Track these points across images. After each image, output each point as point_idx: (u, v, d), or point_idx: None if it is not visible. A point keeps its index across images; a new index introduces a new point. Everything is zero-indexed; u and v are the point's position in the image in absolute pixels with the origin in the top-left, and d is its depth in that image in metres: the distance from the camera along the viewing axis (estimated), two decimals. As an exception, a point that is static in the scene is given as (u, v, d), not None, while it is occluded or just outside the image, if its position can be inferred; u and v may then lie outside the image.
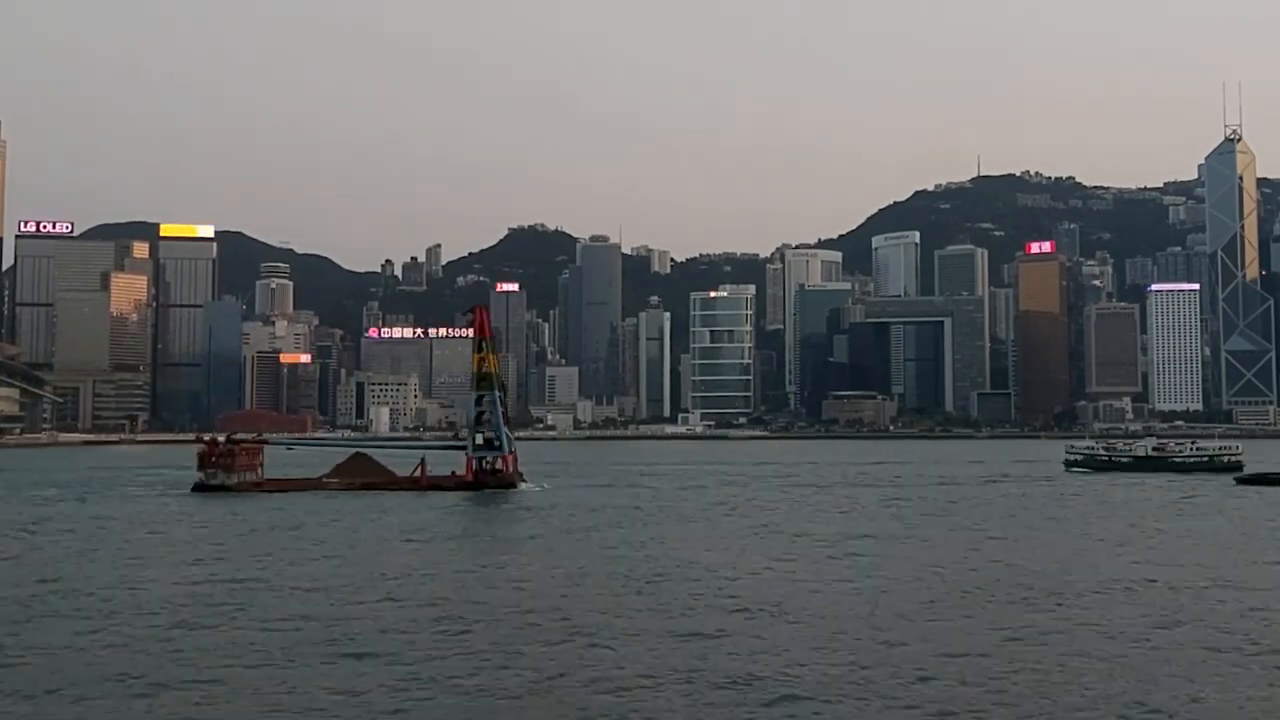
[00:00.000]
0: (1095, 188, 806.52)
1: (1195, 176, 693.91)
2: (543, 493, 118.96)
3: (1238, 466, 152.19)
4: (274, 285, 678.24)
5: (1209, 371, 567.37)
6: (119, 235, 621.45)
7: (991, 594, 50.04)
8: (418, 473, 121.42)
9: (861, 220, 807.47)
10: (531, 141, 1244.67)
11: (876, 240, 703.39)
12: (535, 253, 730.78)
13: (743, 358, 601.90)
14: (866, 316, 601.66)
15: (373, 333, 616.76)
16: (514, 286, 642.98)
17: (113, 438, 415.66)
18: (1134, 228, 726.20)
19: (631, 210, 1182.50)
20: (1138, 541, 72.01)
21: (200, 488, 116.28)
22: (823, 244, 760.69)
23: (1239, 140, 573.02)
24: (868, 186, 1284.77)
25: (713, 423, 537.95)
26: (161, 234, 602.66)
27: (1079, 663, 36.13)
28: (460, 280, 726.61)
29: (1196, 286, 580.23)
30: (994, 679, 33.96)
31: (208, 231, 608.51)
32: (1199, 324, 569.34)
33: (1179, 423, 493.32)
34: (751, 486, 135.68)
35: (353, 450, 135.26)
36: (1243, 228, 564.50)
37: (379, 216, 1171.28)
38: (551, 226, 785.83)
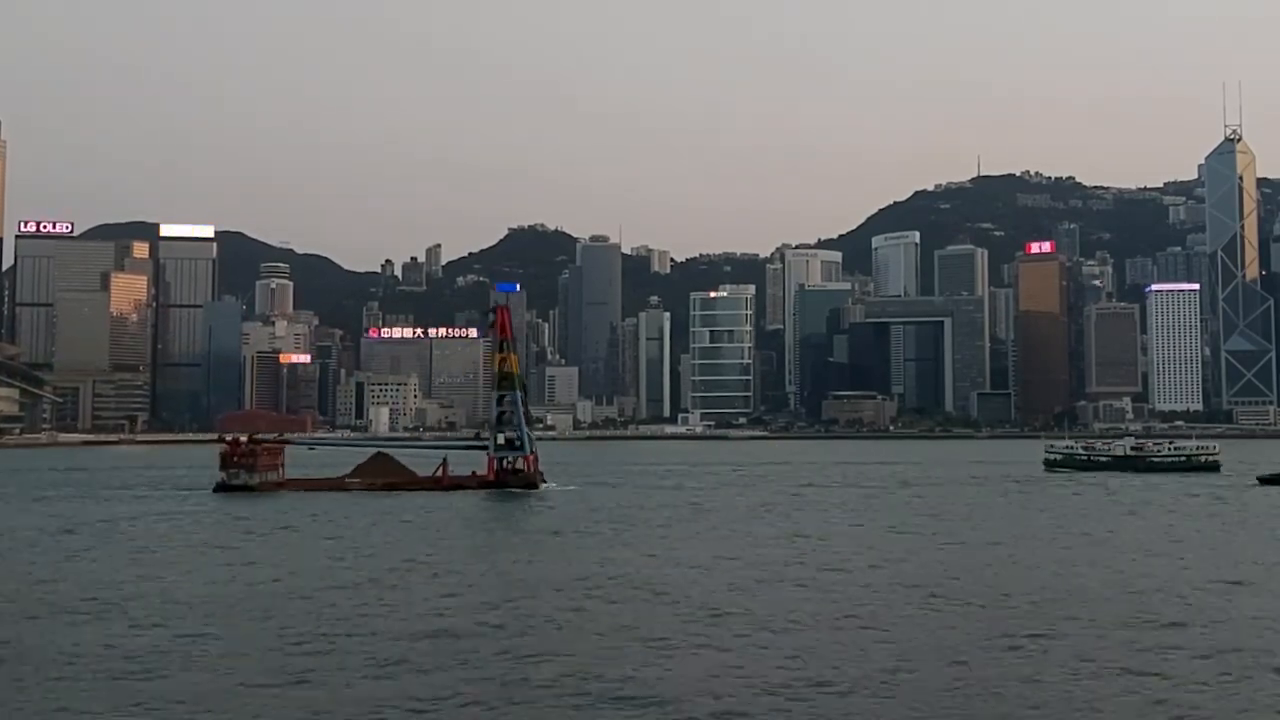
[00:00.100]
0: (1095, 188, 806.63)
1: (1195, 176, 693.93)
2: (568, 493, 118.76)
3: (1214, 466, 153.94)
4: (274, 285, 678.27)
5: (1209, 371, 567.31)
6: (119, 235, 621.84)
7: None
8: (439, 473, 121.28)
9: (861, 220, 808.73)
10: (531, 141, 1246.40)
11: (876, 240, 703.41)
12: (535, 253, 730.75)
13: (743, 358, 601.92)
14: (866, 316, 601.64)
15: (372, 333, 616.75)
16: (514, 286, 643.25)
17: (112, 438, 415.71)
18: (1134, 228, 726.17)
19: (631, 210, 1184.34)
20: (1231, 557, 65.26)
21: (223, 487, 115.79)
22: (823, 244, 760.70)
23: (1239, 140, 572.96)
24: (868, 186, 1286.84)
25: (712, 423, 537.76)
26: (161, 234, 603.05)
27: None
28: (460, 280, 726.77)
29: (1196, 286, 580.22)
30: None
31: (208, 231, 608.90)
32: (1199, 324, 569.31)
33: (1179, 423, 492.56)
34: (760, 488, 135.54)
35: (374, 450, 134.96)
36: (1243, 228, 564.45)
37: (379, 216, 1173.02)
38: (551, 226, 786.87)
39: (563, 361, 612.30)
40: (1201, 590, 50.96)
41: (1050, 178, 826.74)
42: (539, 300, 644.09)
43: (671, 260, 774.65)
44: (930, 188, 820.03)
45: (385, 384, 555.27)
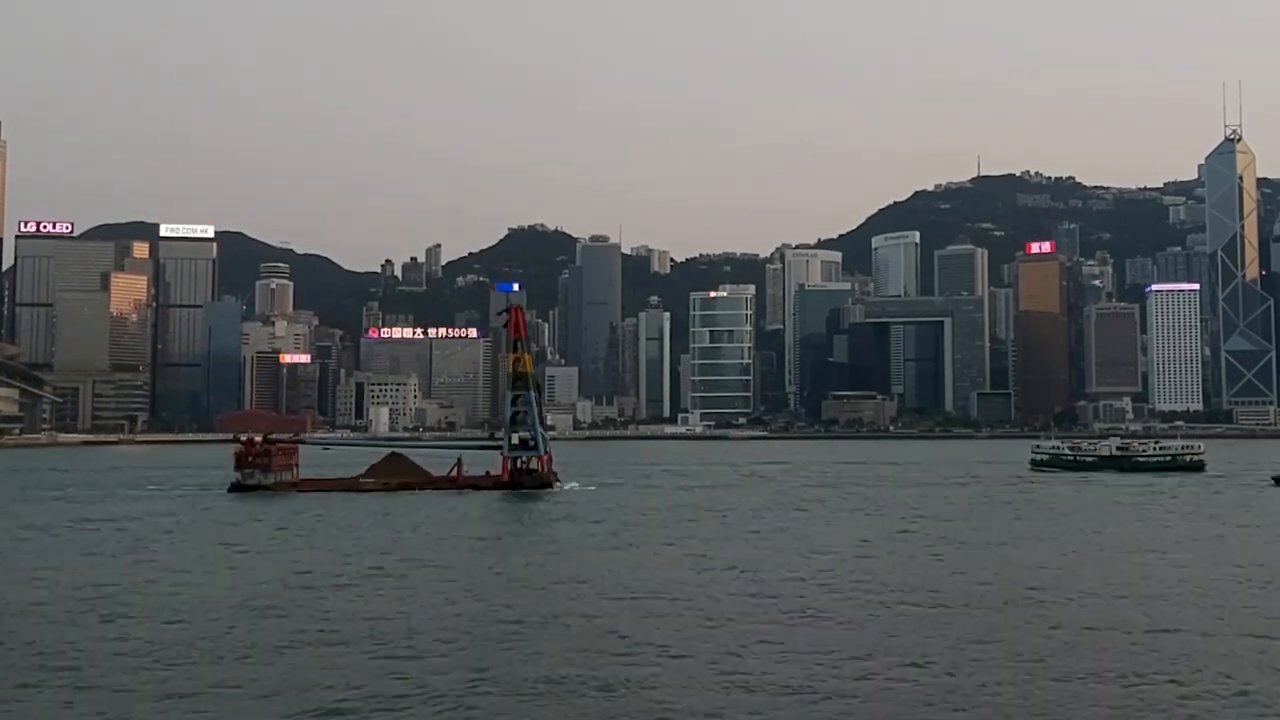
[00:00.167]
0: (1095, 188, 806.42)
1: (1195, 176, 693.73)
2: (585, 492, 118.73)
3: (1199, 466, 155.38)
4: (274, 285, 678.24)
5: (1209, 371, 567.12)
6: (119, 235, 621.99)
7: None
8: (454, 473, 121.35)
9: (861, 220, 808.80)
10: (531, 141, 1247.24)
11: (876, 240, 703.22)
12: (535, 253, 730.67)
13: (742, 358, 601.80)
14: (866, 316, 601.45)
15: (372, 333, 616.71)
16: (514, 286, 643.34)
17: (112, 438, 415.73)
18: (1134, 228, 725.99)
19: (631, 210, 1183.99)
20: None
21: (237, 487, 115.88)
22: (823, 244, 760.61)
23: (1239, 140, 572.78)
24: (868, 186, 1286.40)
25: (712, 423, 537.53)
26: (161, 234, 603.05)
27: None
28: (460, 280, 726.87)
29: (1196, 286, 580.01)
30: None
31: (208, 231, 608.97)
32: (1199, 324, 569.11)
33: (1179, 423, 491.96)
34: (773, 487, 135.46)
35: (389, 451, 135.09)
36: (1243, 228, 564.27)
37: (379, 216, 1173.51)
38: (551, 226, 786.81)
39: (562, 361, 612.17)
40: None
41: (1050, 178, 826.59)
42: (539, 300, 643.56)
43: (671, 260, 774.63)
44: (930, 188, 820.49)
45: (385, 384, 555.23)
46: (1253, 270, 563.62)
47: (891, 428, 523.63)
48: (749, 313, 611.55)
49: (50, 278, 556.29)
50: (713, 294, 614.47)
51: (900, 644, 39.29)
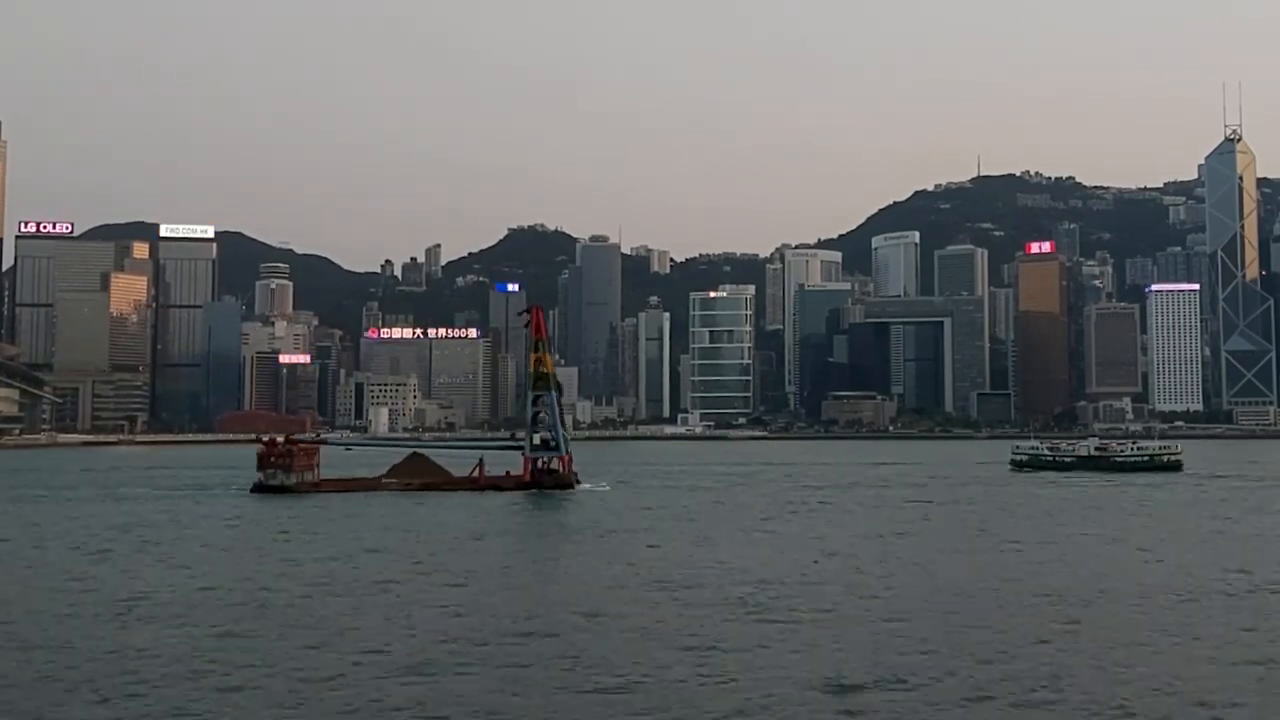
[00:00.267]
0: (1095, 188, 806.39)
1: (1195, 176, 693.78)
2: (606, 493, 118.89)
3: (1177, 466, 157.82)
4: (274, 285, 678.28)
5: (1209, 371, 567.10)
6: (119, 235, 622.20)
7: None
8: (475, 473, 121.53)
9: (861, 220, 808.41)
10: (531, 141, 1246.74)
11: (876, 240, 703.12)
12: (535, 253, 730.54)
13: (742, 358, 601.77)
14: (866, 316, 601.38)
15: (372, 333, 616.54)
16: (514, 286, 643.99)
17: (112, 438, 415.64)
18: (1134, 228, 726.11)
19: (631, 210, 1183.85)
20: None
21: (260, 488, 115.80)
22: (822, 244, 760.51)
23: (1239, 140, 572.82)
24: (868, 186, 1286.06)
25: (712, 423, 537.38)
26: (161, 234, 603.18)
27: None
28: (460, 280, 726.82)
29: (1196, 286, 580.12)
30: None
31: (208, 232, 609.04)
32: (1199, 324, 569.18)
33: (1179, 423, 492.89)
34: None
35: (410, 451, 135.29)
36: (1243, 228, 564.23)
37: (379, 216, 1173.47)
38: (551, 226, 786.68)
39: (562, 361, 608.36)
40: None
41: (1050, 178, 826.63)
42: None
43: (671, 260, 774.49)
44: (930, 188, 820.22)
45: (385, 384, 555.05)
46: (1253, 270, 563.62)
47: (891, 428, 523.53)
48: (749, 313, 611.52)
49: (50, 278, 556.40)
50: (712, 294, 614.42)
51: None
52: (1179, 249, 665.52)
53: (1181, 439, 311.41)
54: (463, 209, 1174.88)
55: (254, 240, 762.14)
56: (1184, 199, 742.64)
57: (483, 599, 49.62)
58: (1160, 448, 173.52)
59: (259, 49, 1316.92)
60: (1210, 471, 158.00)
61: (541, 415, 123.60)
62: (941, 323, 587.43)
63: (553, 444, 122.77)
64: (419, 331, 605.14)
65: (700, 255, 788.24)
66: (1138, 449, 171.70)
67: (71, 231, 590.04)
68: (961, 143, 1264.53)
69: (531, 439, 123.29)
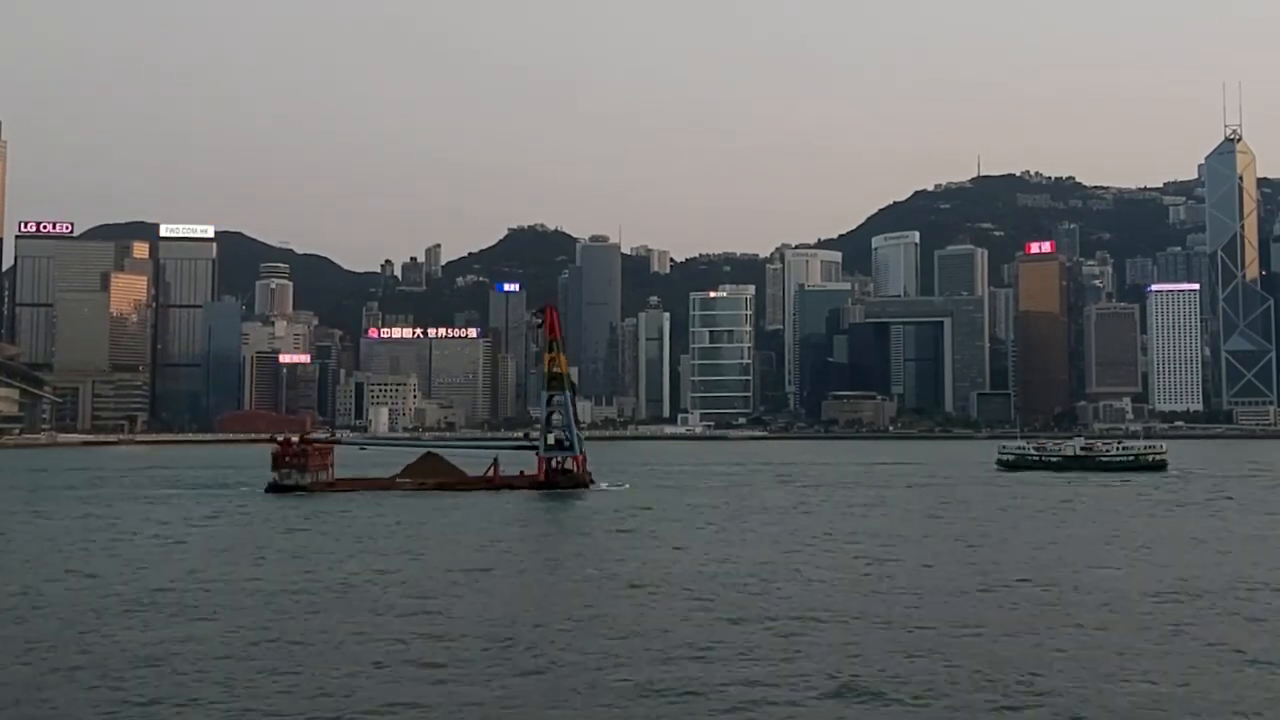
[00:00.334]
0: (1095, 188, 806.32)
1: (1195, 176, 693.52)
2: (621, 493, 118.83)
3: (1161, 465, 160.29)
4: (274, 285, 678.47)
5: (1209, 371, 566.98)
6: (119, 235, 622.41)
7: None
8: (490, 472, 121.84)
9: (861, 220, 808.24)
10: (531, 141, 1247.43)
11: (876, 240, 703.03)
12: (535, 253, 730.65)
13: (742, 358, 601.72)
14: (866, 316, 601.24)
15: (372, 333, 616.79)
16: (514, 286, 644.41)
17: (112, 438, 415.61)
18: (1134, 228, 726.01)
19: (631, 210, 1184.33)
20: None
21: (275, 487, 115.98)
22: (822, 244, 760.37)
23: (1239, 140, 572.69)
24: (868, 186, 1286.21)
25: (712, 423, 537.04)
26: (161, 234, 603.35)
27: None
28: (460, 280, 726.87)
29: (1196, 286, 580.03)
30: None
31: (208, 231, 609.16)
32: (1199, 324, 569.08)
33: (1179, 423, 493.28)
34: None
35: (423, 450, 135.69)
36: (1243, 228, 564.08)
37: (379, 216, 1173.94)
38: (551, 226, 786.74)
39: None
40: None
41: (1050, 178, 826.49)
42: (539, 300, 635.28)
43: (671, 260, 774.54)
44: (930, 188, 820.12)
45: (385, 384, 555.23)
46: (1253, 270, 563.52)
47: (891, 428, 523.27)
48: (749, 313, 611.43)
49: (50, 278, 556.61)
50: (712, 294, 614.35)
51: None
52: (1179, 249, 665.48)
53: (1181, 439, 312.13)
54: (463, 209, 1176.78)
55: (254, 240, 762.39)
56: (1184, 199, 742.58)
57: (514, 599, 50.14)
58: (1145, 447, 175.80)
59: (259, 49, 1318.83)
60: (1192, 470, 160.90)
61: (555, 415, 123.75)
62: (941, 323, 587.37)
63: (567, 444, 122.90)
64: (419, 331, 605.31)
65: (700, 255, 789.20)
66: (1122, 449, 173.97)
67: (71, 231, 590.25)
68: (961, 143, 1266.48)
69: (546, 439, 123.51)
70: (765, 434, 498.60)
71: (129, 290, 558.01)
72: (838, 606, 46.86)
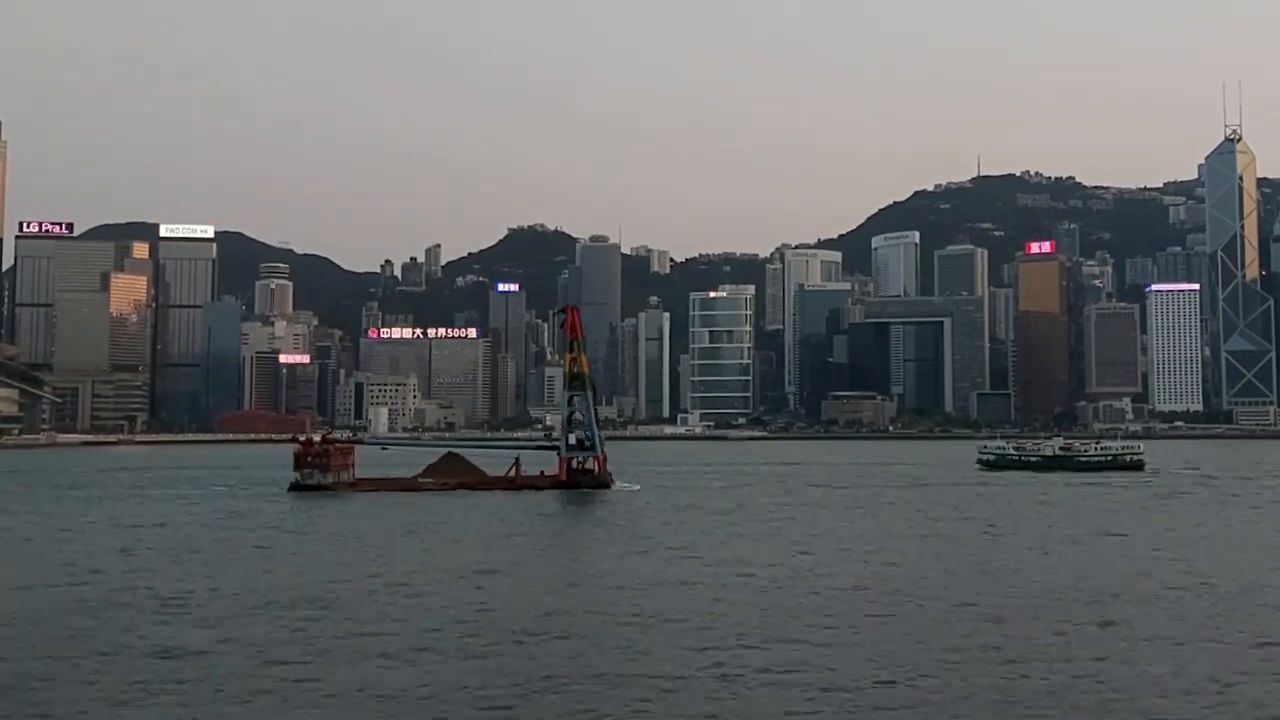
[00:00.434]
0: (1095, 188, 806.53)
1: (1195, 176, 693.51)
2: (642, 493, 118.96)
3: (1139, 465, 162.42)
4: (273, 285, 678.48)
5: (1209, 371, 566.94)
6: (119, 235, 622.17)
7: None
8: (512, 472, 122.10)
9: (861, 220, 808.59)
10: (531, 141, 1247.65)
11: (876, 240, 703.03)
12: (535, 253, 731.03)
13: (742, 358, 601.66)
14: (866, 317, 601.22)
15: (372, 333, 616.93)
16: (514, 286, 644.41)
17: (111, 438, 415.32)
18: (1134, 228, 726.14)
19: (631, 210, 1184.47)
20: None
21: (297, 487, 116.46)
22: (822, 244, 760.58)
23: (1239, 140, 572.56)
24: (868, 186, 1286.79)
25: (712, 423, 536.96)
26: (161, 234, 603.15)
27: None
28: (460, 280, 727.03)
29: (1196, 286, 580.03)
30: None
31: (207, 232, 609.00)
32: (1199, 324, 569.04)
33: (1179, 423, 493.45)
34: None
35: (445, 451, 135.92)
36: (1243, 228, 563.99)
37: (379, 216, 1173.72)
38: (551, 226, 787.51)
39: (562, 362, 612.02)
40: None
41: (1050, 178, 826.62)
42: (538, 300, 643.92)
43: (671, 260, 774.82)
44: (930, 188, 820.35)
45: (384, 384, 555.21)
46: (1253, 270, 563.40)
47: (891, 428, 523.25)
48: (749, 313, 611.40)
49: (50, 278, 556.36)
50: (712, 294, 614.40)
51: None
52: (1179, 249, 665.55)
53: (1181, 439, 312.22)
54: (463, 209, 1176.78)
55: (254, 240, 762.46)
56: (1184, 199, 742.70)
57: (542, 598, 50.46)
58: (1122, 447, 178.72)
59: (259, 49, 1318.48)
60: (1168, 470, 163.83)
61: (577, 415, 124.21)
62: (941, 323, 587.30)
63: (588, 444, 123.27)
64: (419, 331, 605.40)
65: (700, 255, 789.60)
66: (1101, 449, 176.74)
67: (71, 231, 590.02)
68: (961, 143, 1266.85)
69: (567, 438, 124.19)
70: (765, 434, 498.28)
71: (129, 290, 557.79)
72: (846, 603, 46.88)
